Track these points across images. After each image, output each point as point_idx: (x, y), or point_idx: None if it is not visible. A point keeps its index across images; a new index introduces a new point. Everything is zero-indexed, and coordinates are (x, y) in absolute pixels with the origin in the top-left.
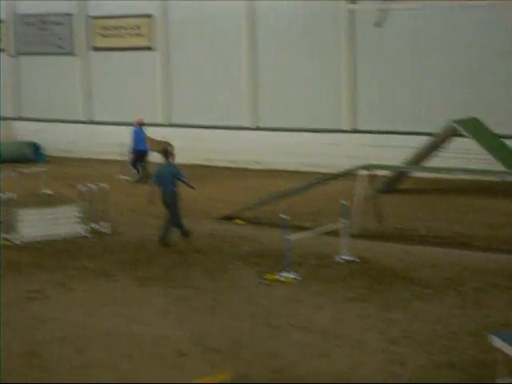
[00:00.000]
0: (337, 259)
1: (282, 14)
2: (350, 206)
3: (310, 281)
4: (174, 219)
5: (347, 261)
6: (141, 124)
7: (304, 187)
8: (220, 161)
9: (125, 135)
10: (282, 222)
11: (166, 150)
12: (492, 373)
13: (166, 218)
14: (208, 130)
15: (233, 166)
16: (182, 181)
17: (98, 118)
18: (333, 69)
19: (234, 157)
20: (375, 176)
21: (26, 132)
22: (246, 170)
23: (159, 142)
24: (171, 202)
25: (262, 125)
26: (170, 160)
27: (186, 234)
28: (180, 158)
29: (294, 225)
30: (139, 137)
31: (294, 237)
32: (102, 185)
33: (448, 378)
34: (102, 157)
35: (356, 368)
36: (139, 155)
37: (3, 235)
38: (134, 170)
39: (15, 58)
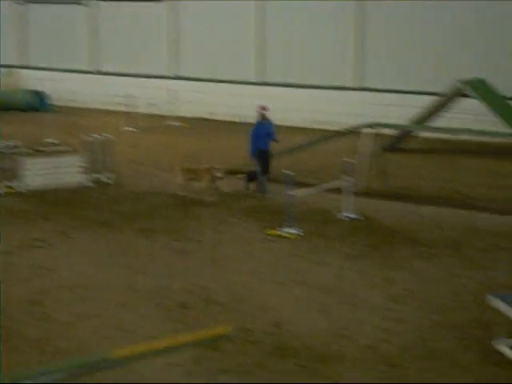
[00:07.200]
0: (340, 216)
1: None
2: (353, 164)
3: (313, 237)
4: None
5: (350, 218)
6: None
7: (308, 144)
8: (224, 115)
9: (130, 87)
10: (285, 178)
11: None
12: (491, 333)
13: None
14: (213, 84)
15: (237, 120)
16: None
17: (104, 69)
18: (340, 26)
19: (239, 111)
20: (380, 134)
21: (32, 81)
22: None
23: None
24: None
25: (268, 80)
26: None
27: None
28: (185, 111)
29: (297, 181)
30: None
31: (298, 193)
32: (106, 135)
33: (447, 337)
34: (107, 107)
35: (356, 324)
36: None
37: (6, 183)
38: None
39: (22, 5)
